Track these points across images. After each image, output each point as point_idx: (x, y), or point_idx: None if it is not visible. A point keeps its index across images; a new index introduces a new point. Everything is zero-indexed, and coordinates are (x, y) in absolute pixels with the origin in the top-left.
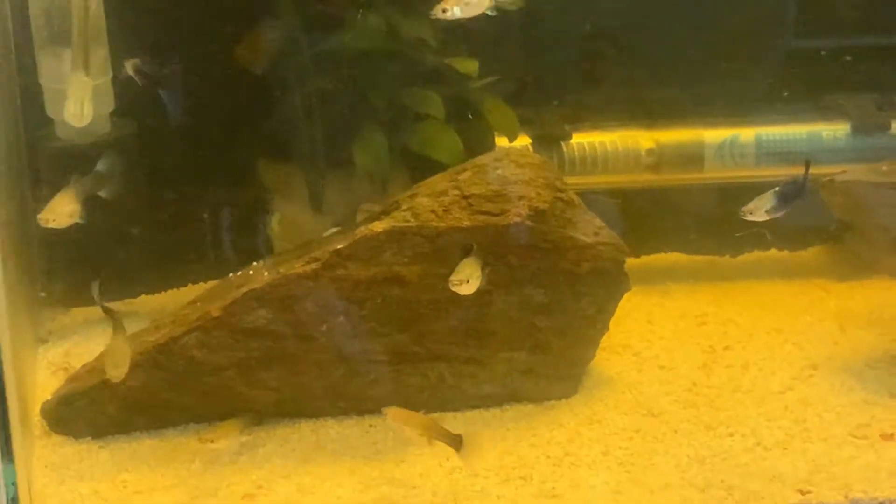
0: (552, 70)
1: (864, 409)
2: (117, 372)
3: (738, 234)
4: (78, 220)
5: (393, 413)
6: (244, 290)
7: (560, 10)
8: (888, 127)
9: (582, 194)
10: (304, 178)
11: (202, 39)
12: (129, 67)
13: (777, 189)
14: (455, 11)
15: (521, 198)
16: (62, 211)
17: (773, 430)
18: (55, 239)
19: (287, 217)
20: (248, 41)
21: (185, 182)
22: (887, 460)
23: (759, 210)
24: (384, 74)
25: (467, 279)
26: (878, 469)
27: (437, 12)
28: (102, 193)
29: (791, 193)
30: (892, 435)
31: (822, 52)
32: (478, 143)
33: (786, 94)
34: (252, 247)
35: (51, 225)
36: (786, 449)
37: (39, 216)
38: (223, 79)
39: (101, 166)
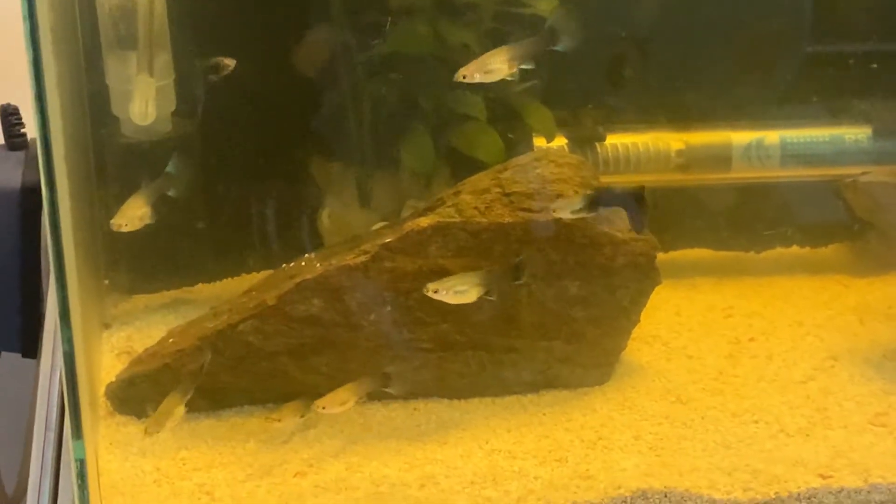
0: (588, 74)
1: (882, 399)
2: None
3: (765, 233)
4: (148, 222)
5: (322, 403)
6: (297, 280)
7: (595, 17)
8: None
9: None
10: (354, 176)
11: (260, 44)
12: (210, 66)
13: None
14: (475, 77)
15: (559, 196)
16: (133, 215)
17: (795, 418)
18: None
19: (337, 212)
20: (304, 46)
21: (241, 178)
22: None
23: (565, 209)
24: (431, 78)
25: (447, 290)
26: None
27: (458, 77)
28: (171, 193)
29: (599, 200)
30: None
31: (847, 58)
32: (517, 143)
33: (811, 98)
34: (303, 239)
35: (123, 229)
36: (808, 436)
37: (112, 221)
38: (279, 81)
39: (170, 168)
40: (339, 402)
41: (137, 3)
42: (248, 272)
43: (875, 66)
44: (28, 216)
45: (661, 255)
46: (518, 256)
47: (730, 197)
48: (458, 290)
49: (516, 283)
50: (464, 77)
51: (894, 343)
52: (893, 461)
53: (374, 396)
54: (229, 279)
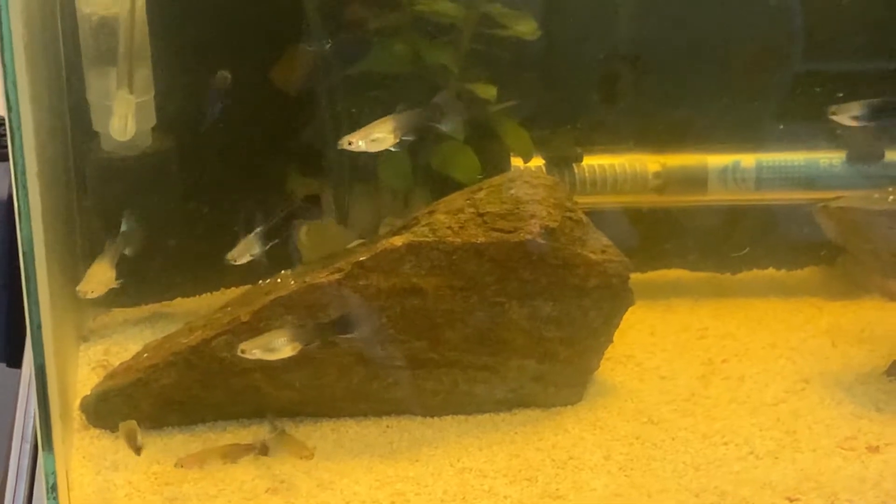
0: (566, 95)
1: (851, 422)
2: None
3: (733, 255)
4: (113, 286)
5: (181, 461)
6: (272, 297)
7: (573, 39)
8: (882, 156)
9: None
10: (332, 193)
11: (239, 61)
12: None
13: None
14: (360, 144)
15: (532, 216)
16: (99, 281)
17: (765, 440)
18: (98, 245)
19: (315, 229)
20: (283, 63)
21: (220, 193)
22: (872, 471)
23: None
24: (409, 97)
25: (259, 348)
26: (864, 479)
27: (342, 144)
28: (128, 252)
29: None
30: (877, 447)
31: (820, 84)
32: (495, 163)
33: (785, 122)
34: (282, 256)
35: (90, 296)
36: (777, 458)
37: (78, 288)
38: (258, 98)
39: (124, 227)
40: (199, 462)
41: (118, 18)
42: (228, 287)
43: (841, 94)
44: (13, 227)
45: (637, 276)
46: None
47: (706, 219)
48: (270, 349)
49: (341, 336)
50: (349, 144)
51: (865, 366)
52: (860, 485)
53: (347, 412)
54: (208, 294)
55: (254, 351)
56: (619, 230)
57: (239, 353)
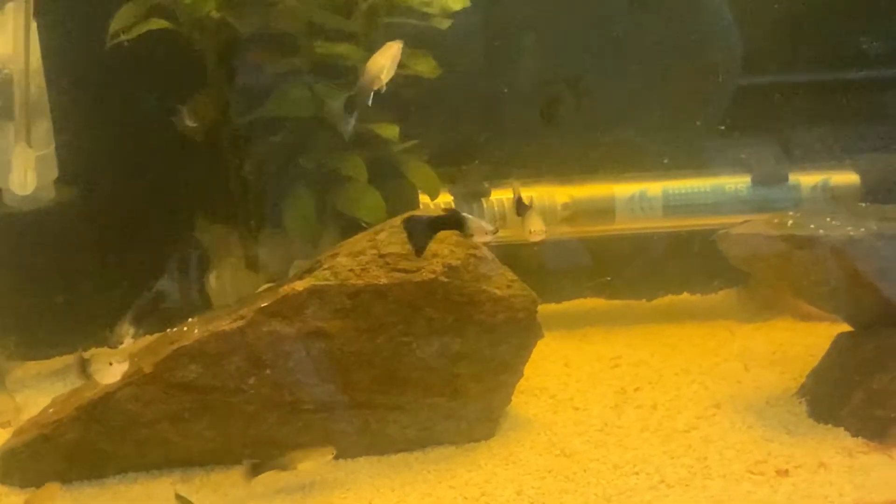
0: (472, 131)
1: (762, 446)
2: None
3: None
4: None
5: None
6: (175, 346)
7: (477, 75)
8: (786, 179)
9: None
10: (239, 238)
11: (140, 109)
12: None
13: None
14: None
15: (434, 255)
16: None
17: (676, 468)
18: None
19: (224, 274)
20: (187, 110)
21: (129, 243)
22: (781, 495)
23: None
24: (312, 140)
25: None
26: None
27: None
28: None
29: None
30: (786, 470)
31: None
32: (402, 201)
33: (691, 148)
34: (192, 303)
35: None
36: (687, 486)
37: None
38: (162, 146)
39: None
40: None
41: (13, 72)
42: (142, 336)
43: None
44: None
45: (553, 306)
46: None
47: (618, 247)
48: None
49: None
50: None
51: (777, 389)
52: None
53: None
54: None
55: None
56: (530, 263)
57: None
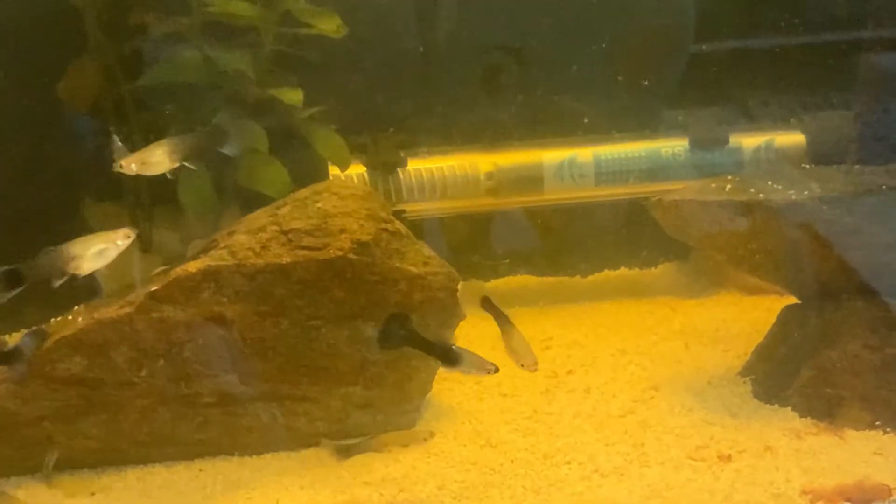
0: (385, 96)
1: (703, 430)
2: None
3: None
4: None
5: None
6: (56, 337)
7: (392, 35)
8: (726, 141)
9: None
10: (130, 217)
11: (20, 78)
12: None
13: None
14: (132, 167)
15: (342, 231)
16: None
17: (611, 456)
18: None
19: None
20: (68, 78)
21: (8, 226)
22: (724, 482)
23: None
24: (204, 107)
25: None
26: (715, 491)
27: (116, 167)
28: None
29: None
30: (729, 456)
31: (664, 70)
32: (309, 174)
33: (628, 111)
34: (78, 290)
35: None
36: (622, 475)
37: None
38: (44, 119)
39: None
40: None
41: None
42: (28, 327)
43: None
44: None
45: (480, 284)
46: None
47: (549, 219)
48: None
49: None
50: (121, 167)
51: (720, 368)
52: (711, 497)
53: (154, 458)
54: (7, 336)
55: (132, 166)
56: (452, 238)
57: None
